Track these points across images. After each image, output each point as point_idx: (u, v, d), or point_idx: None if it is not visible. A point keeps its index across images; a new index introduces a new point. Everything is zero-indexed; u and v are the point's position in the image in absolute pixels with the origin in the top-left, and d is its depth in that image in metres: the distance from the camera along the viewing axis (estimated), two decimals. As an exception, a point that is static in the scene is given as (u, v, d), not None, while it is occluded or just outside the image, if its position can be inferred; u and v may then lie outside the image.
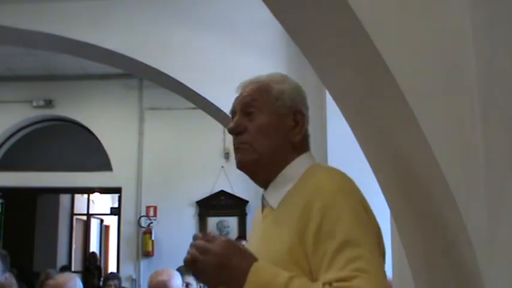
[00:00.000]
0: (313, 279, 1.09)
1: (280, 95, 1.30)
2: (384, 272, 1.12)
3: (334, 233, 1.09)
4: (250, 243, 1.36)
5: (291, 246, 1.13)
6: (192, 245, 1.14)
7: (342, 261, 1.06)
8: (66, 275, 3.25)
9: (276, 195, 1.27)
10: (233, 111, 1.34)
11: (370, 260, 1.07)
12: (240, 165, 1.31)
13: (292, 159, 1.29)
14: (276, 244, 1.18)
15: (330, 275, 1.06)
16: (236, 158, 1.31)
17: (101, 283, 7.76)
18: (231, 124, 1.32)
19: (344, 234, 1.09)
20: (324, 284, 1.05)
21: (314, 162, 1.31)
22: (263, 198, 1.31)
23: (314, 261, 1.11)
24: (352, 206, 1.13)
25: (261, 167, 1.29)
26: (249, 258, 1.11)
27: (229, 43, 4.55)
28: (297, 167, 1.28)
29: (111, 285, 5.30)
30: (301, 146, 1.31)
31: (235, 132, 1.30)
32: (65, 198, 10.43)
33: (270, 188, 1.29)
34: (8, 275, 3.49)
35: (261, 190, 1.34)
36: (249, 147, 1.28)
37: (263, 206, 1.33)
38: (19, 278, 6.72)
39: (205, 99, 4.55)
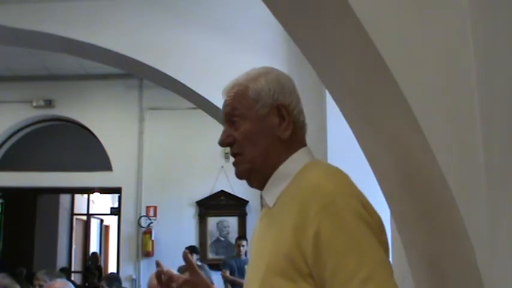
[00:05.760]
0: (316, 284, 1.08)
1: (257, 95, 1.26)
2: (391, 275, 1.12)
3: (335, 243, 1.06)
4: (252, 244, 1.35)
5: (288, 250, 1.09)
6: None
7: (345, 276, 1.05)
8: (59, 281, 3.18)
9: (272, 193, 1.24)
10: (223, 121, 1.32)
11: (373, 273, 1.06)
12: (238, 177, 1.30)
13: (287, 156, 1.25)
14: (272, 247, 1.15)
15: None
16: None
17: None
18: (220, 137, 1.30)
19: (344, 246, 1.06)
20: None
21: (312, 159, 1.27)
22: (261, 197, 1.29)
23: (316, 268, 1.08)
24: (351, 207, 1.09)
25: (256, 174, 1.27)
26: None
27: (229, 43, 4.55)
28: (292, 164, 1.24)
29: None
30: (295, 139, 1.26)
31: (224, 145, 1.29)
32: (65, 198, 10.45)
33: (267, 186, 1.26)
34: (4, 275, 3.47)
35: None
36: (241, 158, 1.27)
37: (262, 206, 1.31)
38: (23, 278, 6.74)
39: (205, 99, 4.56)
